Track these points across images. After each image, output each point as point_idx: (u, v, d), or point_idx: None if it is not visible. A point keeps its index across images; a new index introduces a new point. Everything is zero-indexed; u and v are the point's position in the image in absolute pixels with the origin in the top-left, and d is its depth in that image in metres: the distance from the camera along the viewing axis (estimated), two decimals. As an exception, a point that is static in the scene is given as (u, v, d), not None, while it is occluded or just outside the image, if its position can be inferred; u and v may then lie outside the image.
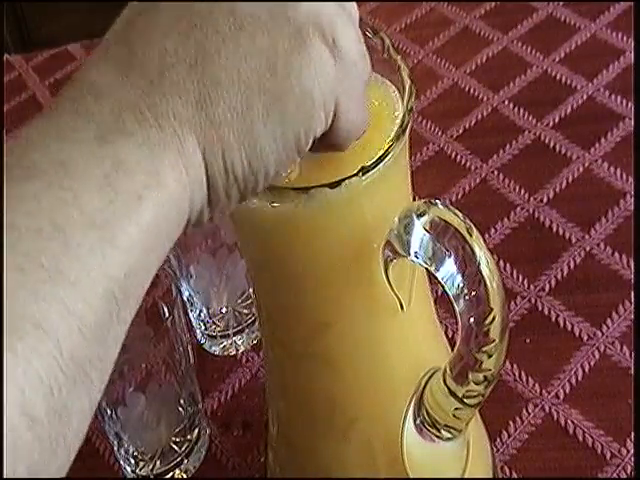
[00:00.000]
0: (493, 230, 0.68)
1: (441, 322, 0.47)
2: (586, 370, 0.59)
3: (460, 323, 0.36)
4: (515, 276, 0.65)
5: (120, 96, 0.28)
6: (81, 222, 0.25)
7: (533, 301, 0.63)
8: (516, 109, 0.77)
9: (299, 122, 0.30)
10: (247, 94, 0.29)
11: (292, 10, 0.30)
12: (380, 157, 0.35)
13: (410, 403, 0.41)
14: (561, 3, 0.86)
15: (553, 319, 0.62)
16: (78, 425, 0.25)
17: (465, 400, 0.38)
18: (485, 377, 0.37)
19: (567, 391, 0.58)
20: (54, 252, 0.24)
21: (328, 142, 0.33)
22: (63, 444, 0.24)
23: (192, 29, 0.29)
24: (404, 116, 0.36)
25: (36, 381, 0.23)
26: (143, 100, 0.28)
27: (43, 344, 0.23)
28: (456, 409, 0.38)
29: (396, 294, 0.38)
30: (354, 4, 0.33)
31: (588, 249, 0.65)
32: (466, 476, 0.44)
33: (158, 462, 0.57)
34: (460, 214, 0.35)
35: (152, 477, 0.58)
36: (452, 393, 0.38)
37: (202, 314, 0.64)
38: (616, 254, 0.65)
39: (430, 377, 0.40)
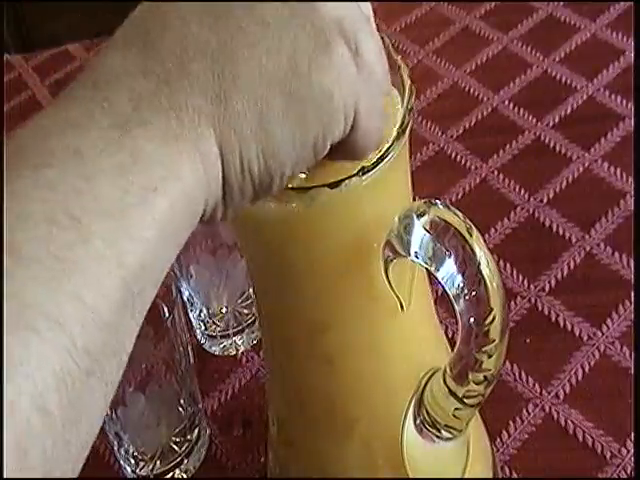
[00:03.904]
0: (493, 230, 0.68)
1: (441, 322, 0.47)
2: (586, 370, 0.59)
3: (460, 323, 0.36)
4: (515, 276, 0.65)
5: (138, 84, 0.27)
6: (96, 212, 0.25)
7: (533, 301, 0.63)
8: (516, 109, 0.77)
9: (318, 124, 0.30)
10: (267, 91, 0.28)
11: (316, 11, 0.30)
12: (380, 157, 0.35)
13: (410, 403, 0.41)
14: (561, 3, 0.86)
15: (553, 319, 0.62)
16: (92, 419, 0.25)
17: (465, 400, 0.38)
18: (485, 377, 0.37)
19: (567, 391, 0.58)
20: (68, 242, 0.24)
21: (345, 150, 0.32)
22: (77, 438, 0.24)
23: (215, 22, 0.28)
24: (404, 116, 0.36)
25: (49, 373, 0.23)
26: (162, 90, 0.27)
27: (56, 336, 0.23)
28: (456, 409, 0.38)
29: (396, 294, 0.38)
30: (370, 9, 0.33)
31: (588, 249, 0.65)
32: (466, 476, 0.44)
33: (158, 462, 0.57)
34: (460, 214, 0.35)
35: (152, 477, 0.58)
36: (452, 393, 0.38)
37: (202, 314, 0.64)
38: (616, 254, 0.65)
39: (430, 377, 0.40)
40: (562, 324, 0.62)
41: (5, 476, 0.21)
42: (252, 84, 0.28)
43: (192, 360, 0.57)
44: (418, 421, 0.40)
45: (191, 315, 0.64)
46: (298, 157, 0.30)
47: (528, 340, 0.61)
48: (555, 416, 0.57)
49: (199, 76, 0.28)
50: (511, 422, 0.57)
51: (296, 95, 0.29)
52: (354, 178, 0.34)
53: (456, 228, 0.35)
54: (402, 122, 0.36)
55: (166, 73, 0.28)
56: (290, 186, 0.35)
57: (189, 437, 0.58)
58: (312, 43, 0.29)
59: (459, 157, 0.75)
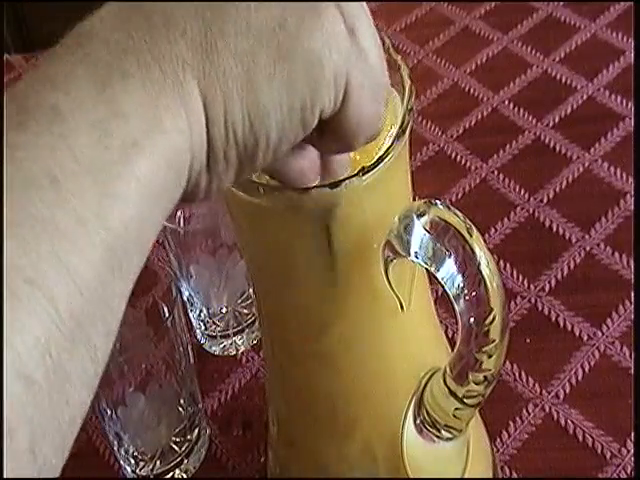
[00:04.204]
0: (493, 230, 0.68)
1: (441, 322, 0.47)
2: (586, 370, 0.59)
3: (460, 323, 0.36)
4: (515, 276, 0.65)
5: (121, 38, 0.26)
6: (75, 170, 0.24)
7: (533, 301, 0.63)
8: (516, 109, 0.77)
9: (306, 87, 0.29)
10: (254, 47, 0.28)
11: None
12: (380, 157, 0.35)
13: (410, 403, 0.41)
14: (561, 3, 0.86)
15: (553, 319, 0.62)
16: (80, 389, 0.24)
17: (465, 400, 0.38)
18: (485, 377, 0.37)
19: (567, 391, 0.58)
20: (47, 203, 0.23)
21: (337, 133, 0.31)
22: (66, 409, 0.23)
23: None
24: (404, 116, 0.36)
25: (31, 341, 0.22)
26: (145, 42, 0.26)
27: (37, 302, 0.22)
28: (456, 409, 0.38)
29: (396, 294, 0.38)
30: (367, 9, 0.32)
31: (588, 249, 0.65)
32: (466, 476, 0.44)
33: (158, 462, 0.57)
34: (460, 214, 0.35)
35: (152, 477, 0.58)
36: (452, 393, 0.38)
37: (202, 314, 0.64)
38: (616, 254, 0.65)
39: (430, 377, 0.40)
40: (562, 324, 0.62)
41: None
42: (239, 38, 0.27)
43: (192, 360, 0.57)
44: (418, 421, 0.41)
45: (191, 315, 0.64)
46: (284, 121, 0.29)
47: (528, 340, 0.61)
48: (555, 416, 0.57)
49: (185, 29, 0.27)
50: (511, 422, 0.57)
51: (284, 53, 0.28)
52: (354, 178, 0.34)
53: (456, 228, 0.35)
54: (402, 122, 0.36)
55: (150, 27, 0.27)
56: (290, 186, 0.35)
57: (189, 437, 0.58)
58: (305, 6, 0.29)
59: (459, 157, 0.75)
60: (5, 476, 0.21)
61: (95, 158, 0.24)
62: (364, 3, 0.32)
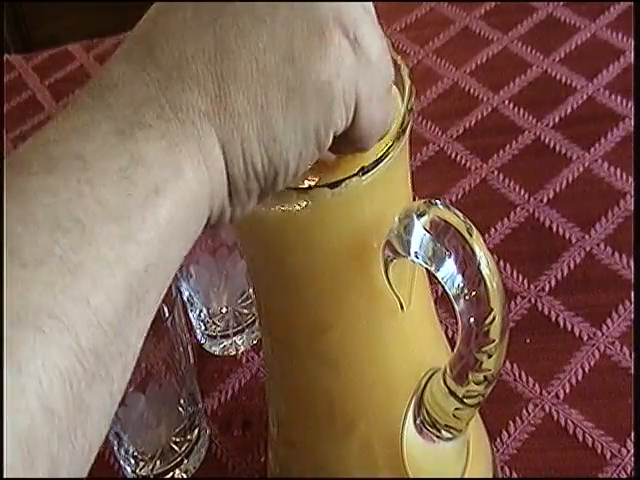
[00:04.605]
0: (493, 230, 0.68)
1: (441, 322, 0.47)
2: (586, 370, 0.59)
3: (460, 323, 0.36)
4: (515, 276, 0.65)
5: (138, 90, 0.28)
6: (99, 215, 0.25)
7: (533, 301, 0.63)
8: (516, 109, 0.77)
9: (319, 114, 0.30)
10: (266, 86, 0.29)
11: (312, 6, 0.30)
12: (380, 157, 0.35)
13: (410, 403, 0.41)
14: (561, 3, 0.86)
15: (553, 319, 0.62)
16: (98, 421, 0.25)
17: (465, 400, 0.38)
18: (485, 377, 0.37)
19: (567, 391, 0.58)
20: (72, 245, 0.24)
21: (350, 141, 0.32)
22: (83, 440, 0.24)
23: (212, 23, 0.29)
24: (404, 116, 0.36)
25: (55, 374, 0.23)
26: (162, 93, 0.28)
27: (62, 336, 0.23)
28: (456, 409, 0.38)
29: (396, 294, 0.38)
30: (372, 6, 0.33)
31: (588, 249, 0.65)
32: (466, 476, 0.44)
33: (158, 462, 0.57)
34: (460, 214, 0.35)
35: (152, 477, 0.58)
36: (452, 393, 0.38)
37: (202, 314, 0.64)
38: (616, 254, 0.65)
39: (430, 377, 0.40)
40: (562, 324, 0.62)
41: (6, 476, 0.21)
42: (250, 80, 0.28)
43: (192, 360, 0.57)
44: (418, 421, 0.40)
45: (191, 315, 0.64)
46: (301, 149, 0.30)
47: (528, 340, 0.61)
48: (555, 416, 0.57)
49: (198, 77, 0.28)
50: (511, 422, 0.57)
51: (295, 87, 0.29)
52: (354, 178, 0.34)
53: (456, 228, 0.35)
54: (402, 122, 0.36)
55: (166, 77, 0.28)
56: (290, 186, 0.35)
57: (189, 437, 0.58)
58: (308, 35, 0.29)
59: (459, 157, 0.75)
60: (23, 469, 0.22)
61: (119, 204, 0.25)
62: (371, 4, 0.32)
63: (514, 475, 0.55)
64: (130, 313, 0.25)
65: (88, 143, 0.26)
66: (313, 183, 0.35)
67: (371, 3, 0.33)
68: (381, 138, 0.34)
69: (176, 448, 0.58)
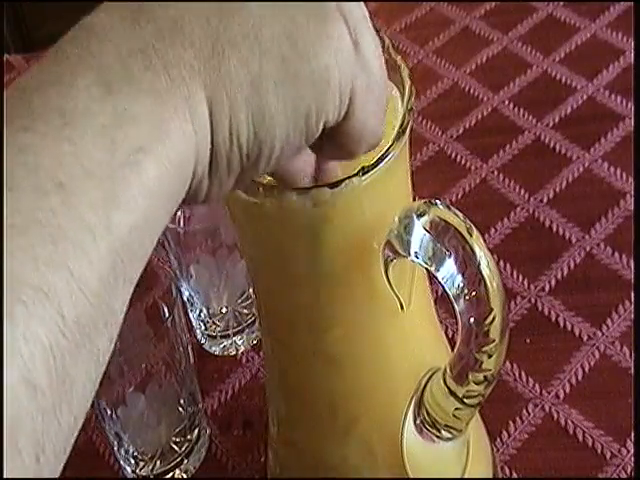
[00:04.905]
0: (493, 230, 0.68)
1: (441, 322, 0.47)
2: (586, 370, 0.59)
3: (460, 323, 0.36)
4: (515, 276, 0.65)
5: (127, 41, 0.26)
6: (81, 176, 0.24)
7: (533, 301, 0.63)
8: (516, 109, 0.77)
9: (311, 97, 0.29)
10: (261, 56, 0.28)
11: None
12: (380, 157, 0.35)
13: (410, 403, 0.41)
14: (561, 3, 0.86)
15: (553, 319, 0.62)
16: (83, 394, 0.24)
17: (465, 400, 0.38)
18: (485, 377, 0.37)
19: (567, 391, 0.58)
20: (53, 209, 0.23)
21: (338, 143, 0.32)
22: (68, 415, 0.23)
23: None
24: (404, 116, 0.36)
25: (37, 347, 0.22)
26: (152, 46, 0.26)
27: (44, 308, 0.22)
28: (456, 409, 0.38)
29: (396, 294, 0.38)
30: (366, 13, 0.33)
31: (588, 249, 0.65)
32: (466, 476, 0.44)
33: (158, 462, 0.57)
34: (460, 214, 0.35)
35: (152, 477, 0.58)
36: (452, 393, 0.38)
37: (202, 314, 0.64)
38: (616, 254, 0.65)
39: (430, 377, 0.40)
40: (562, 324, 0.62)
41: None
42: (247, 47, 0.27)
43: (192, 360, 0.57)
44: (418, 421, 0.40)
45: (191, 315, 0.64)
46: (288, 131, 0.29)
47: (528, 340, 0.61)
48: (555, 416, 0.57)
49: (192, 34, 0.27)
50: (511, 422, 0.57)
51: (291, 64, 0.28)
52: (354, 178, 0.34)
53: (456, 228, 0.35)
54: (402, 122, 0.36)
55: (158, 31, 0.27)
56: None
57: (189, 437, 0.58)
58: (311, 14, 0.29)
59: (459, 157, 0.75)
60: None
61: (101, 164, 0.24)
62: (365, 10, 0.32)
63: (514, 475, 0.55)
64: (115, 281, 0.24)
65: (70, 96, 0.25)
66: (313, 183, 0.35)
67: (362, 5, 0.33)
68: (370, 150, 0.33)
69: (176, 448, 0.58)
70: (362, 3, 0.32)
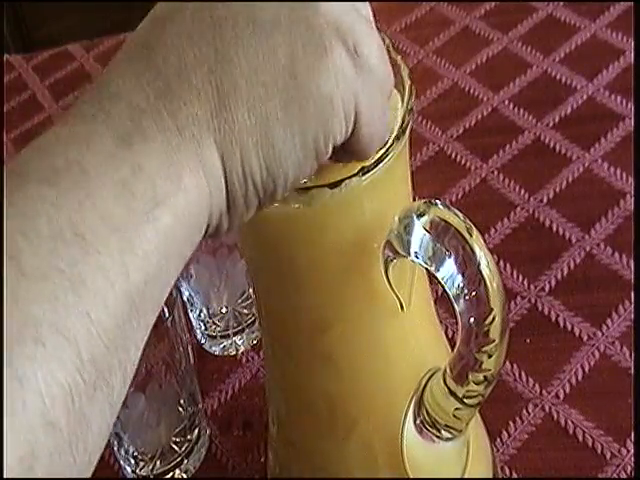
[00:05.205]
0: (493, 230, 0.68)
1: (441, 322, 0.47)
2: (586, 370, 0.59)
3: (460, 323, 0.36)
4: (515, 276, 0.65)
5: (139, 99, 0.28)
6: (100, 228, 0.25)
7: (533, 301, 0.63)
8: (516, 109, 0.77)
9: (318, 126, 0.30)
10: (265, 97, 0.29)
11: (312, 15, 0.30)
12: (380, 157, 0.35)
13: (410, 403, 0.41)
14: (561, 3, 0.86)
15: (553, 319, 0.62)
16: (99, 433, 0.25)
17: (465, 400, 0.38)
18: (485, 377, 0.37)
19: (567, 391, 0.58)
20: (73, 257, 0.24)
21: (350, 150, 0.32)
22: (83, 451, 0.24)
23: (211, 32, 0.29)
24: (404, 116, 0.36)
25: (56, 387, 0.23)
26: (161, 103, 0.28)
27: (63, 350, 0.23)
28: (456, 409, 0.38)
29: (396, 294, 0.38)
30: (369, 10, 0.33)
31: (588, 249, 0.65)
32: (466, 476, 0.44)
33: (158, 462, 0.57)
34: (460, 214, 0.35)
35: (152, 477, 0.58)
36: (452, 393, 0.38)
37: (202, 314, 0.64)
38: (616, 254, 0.65)
39: (430, 377, 0.40)
40: (562, 324, 0.62)
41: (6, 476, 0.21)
42: (250, 91, 0.28)
43: (192, 360, 0.57)
44: (418, 421, 0.40)
45: (191, 315, 0.64)
46: (300, 161, 0.30)
47: (528, 340, 0.61)
48: (555, 416, 0.57)
49: (198, 87, 0.28)
50: (511, 422, 0.57)
51: (294, 99, 0.29)
52: (354, 178, 0.34)
53: (456, 228, 0.35)
54: (402, 122, 0.36)
55: (165, 86, 0.28)
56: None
57: (189, 437, 0.58)
58: (308, 46, 0.29)
59: (459, 157, 0.75)
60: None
61: (119, 216, 0.26)
62: (369, 10, 0.32)
63: (514, 475, 0.55)
64: (130, 324, 0.26)
65: (88, 153, 0.26)
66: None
67: (367, 4, 0.33)
68: (381, 148, 0.34)
69: (176, 448, 0.58)
70: (367, 3, 0.32)
